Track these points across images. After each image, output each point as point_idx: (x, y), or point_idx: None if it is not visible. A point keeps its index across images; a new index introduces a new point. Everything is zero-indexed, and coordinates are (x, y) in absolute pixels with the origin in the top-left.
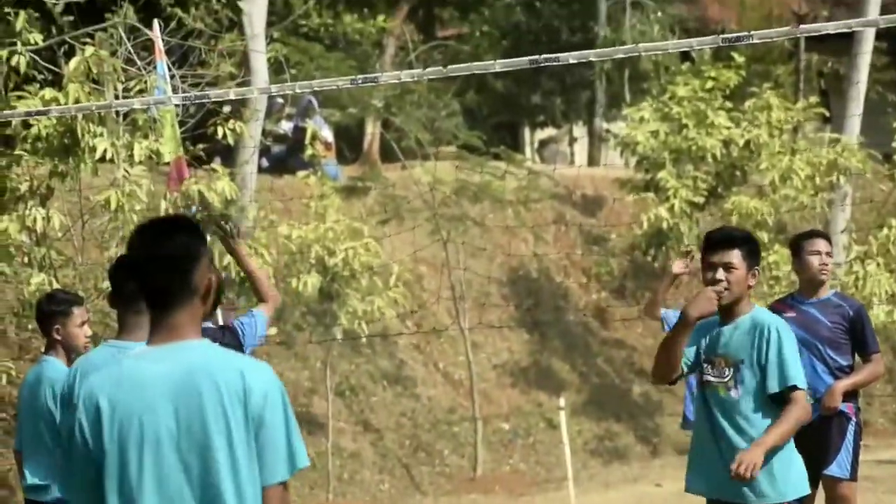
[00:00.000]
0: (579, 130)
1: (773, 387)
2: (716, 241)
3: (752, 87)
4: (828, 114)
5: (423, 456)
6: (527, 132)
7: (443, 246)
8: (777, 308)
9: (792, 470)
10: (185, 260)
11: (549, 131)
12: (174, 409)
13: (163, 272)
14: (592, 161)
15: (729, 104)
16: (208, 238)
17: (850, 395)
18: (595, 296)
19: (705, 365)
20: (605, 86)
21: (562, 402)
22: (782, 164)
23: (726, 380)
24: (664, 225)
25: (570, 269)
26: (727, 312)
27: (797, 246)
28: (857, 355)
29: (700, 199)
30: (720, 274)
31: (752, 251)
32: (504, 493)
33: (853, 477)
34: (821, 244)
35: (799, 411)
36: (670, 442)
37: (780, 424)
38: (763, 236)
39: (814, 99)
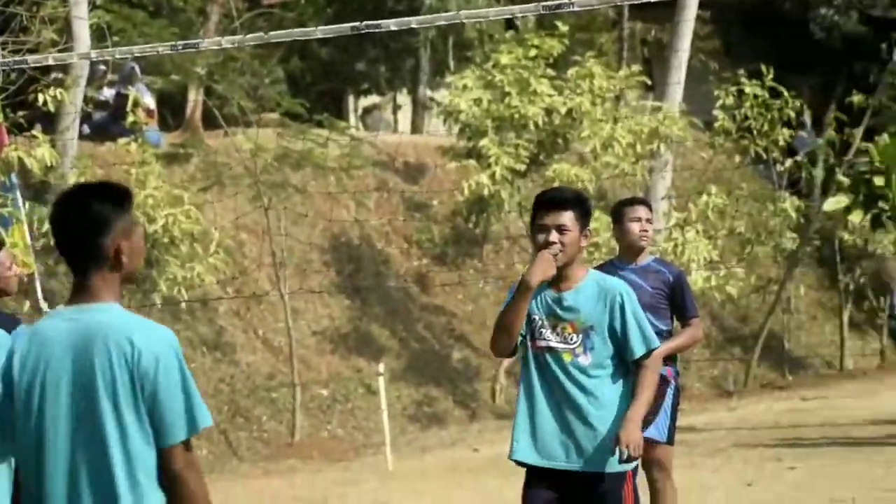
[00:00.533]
0: (403, 98)
1: (639, 351)
2: (548, 203)
3: (575, 56)
4: (650, 82)
5: (241, 421)
6: (351, 100)
7: (264, 213)
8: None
9: None
10: (95, 226)
11: (373, 99)
12: (72, 366)
13: (73, 238)
14: (416, 128)
15: (552, 72)
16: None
17: (670, 359)
18: (416, 262)
19: (542, 330)
20: (429, 54)
21: (381, 367)
22: (604, 132)
23: (574, 346)
24: (486, 192)
25: (392, 236)
26: (561, 275)
27: (618, 213)
28: (676, 320)
29: (522, 167)
30: (553, 236)
31: (585, 212)
32: (322, 459)
33: (670, 441)
34: (641, 211)
35: (655, 375)
36: (488, 407)
37: (643, 392)
38: None
39: (636, 67)
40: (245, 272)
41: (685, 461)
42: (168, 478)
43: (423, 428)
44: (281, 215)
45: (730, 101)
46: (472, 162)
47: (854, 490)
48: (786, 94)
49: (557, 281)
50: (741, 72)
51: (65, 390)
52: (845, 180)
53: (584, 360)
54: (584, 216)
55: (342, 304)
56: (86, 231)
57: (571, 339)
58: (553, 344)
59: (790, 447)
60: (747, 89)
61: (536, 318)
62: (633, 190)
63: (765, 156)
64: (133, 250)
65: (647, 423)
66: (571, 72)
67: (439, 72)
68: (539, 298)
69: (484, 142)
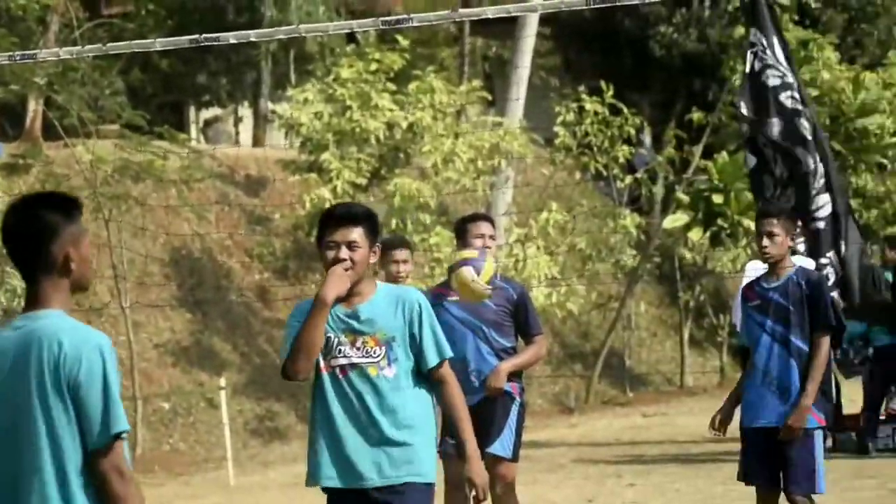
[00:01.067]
0: (244, 111)
1: (433, 361)
2: (338, 219)
3: (417, 70)
4: (491, 98)
5: None
6: (192, 112)
7: (104, 225)
8: (440, 292)
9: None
10: (41, 234)
11: (214, 111)
12: (9, 373)
13: (21, 246)
14: (257, 141)
15: (393, 87)
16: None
17: (515, 376)
18: (258, 276)
19: (341, 348)
20: (270, 66)
21: (223, 381)
22: (445, 147)
23: (378, 359)
24: (327, 206)
25: (233, 249)
26: (352, 292)
27: (461, 229)
28: (519, 337)
29: (363, 181)
30: (343, 252)
31: (374, 228)
32: (163, 473)
33: (514, 457)
34: (484, 227)
35: (458, 388)
36: None
37: (462, 417)
38: (426, 218)
39: (477, 83)
40: None
41: (527, 477)
42: (96, 480)
43: (265, 443)
44: (121, 227)
45: (570, 117)
46: (314, 175)
47: None
48: (625, 111)
49: (348, 297)
50: (581, 88)
51: (3, 397)
52: (685, 198)
53: (389, 373)
54: (373, 232)
55: (183, 318)
56: (35, 238)
57: (374, 353)
58: (356, 360)
59: (630, 464)
60: (587, 106)
61: (332, 336)
62: (474, 205)
63: (605, 172)
64: (82, 257)
65: (485, 440)
66: (412, 86)
67: (281, 85)
68: (331, 317)
69: (325, 155)
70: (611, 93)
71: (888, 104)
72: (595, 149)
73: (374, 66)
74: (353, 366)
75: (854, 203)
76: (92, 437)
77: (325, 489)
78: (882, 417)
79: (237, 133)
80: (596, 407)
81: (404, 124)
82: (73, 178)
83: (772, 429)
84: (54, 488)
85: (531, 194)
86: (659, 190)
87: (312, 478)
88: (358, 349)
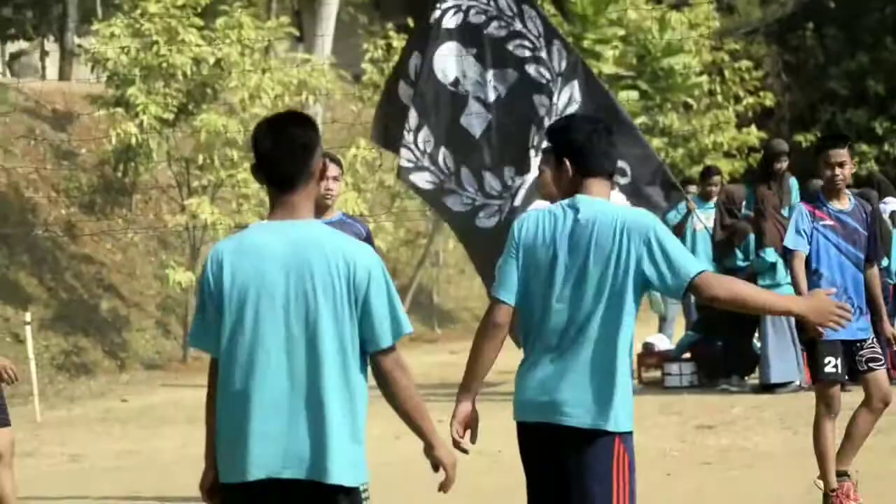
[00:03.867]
0: (51, 45)
1: None
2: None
3: (224, 6)
4: (299, 34)
5: None
6: None
7: None
8: None
9: None
10: (306, 148)
11: (20, 44)
12: (286, 277)
13: (288, 159)
14: (63, 76)
15: (200, 22)
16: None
17: None
18: (64, 211)
19: None
20: (77, 0)
21: (28, 316)
22: (252, 83)
23: None
24: (133, 140)
25: (40, 184)
26: None
27: None
28: None
29: (170, 116)
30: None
31: None
32: None
33: None
34: (333, 169)
35: None
36: (137, 357)
37: None
38: (233, 154)
39: (285, 19)
40: None
41: None
42: (379, 377)
43: (71, 378)
44: None
45: (378, 54)
46: (120, 110)
47: (501, 443)
48: None
49: None
50: (390, 25)
51: (280, 301)
52: None
53: None
54: None
55: None
56: (299, 152)
57: None
58: None
59: (439, 400)
60: (395, 43)
61: None
62: None
63: None
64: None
65: None
66: (220, 22)
67: (87, 19)
68: None
69: (132, 90)
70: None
71: (694, 44)
72: None
73: (181, 1)
74: None
75: (660, 142)
76: (381, 339)
77: None
78: None
79: (43, 67)
80: (405, 343)
81: (211, 60)
82: None
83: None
84: (337, 388)
85: (340, 131)
86: None
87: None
88: None
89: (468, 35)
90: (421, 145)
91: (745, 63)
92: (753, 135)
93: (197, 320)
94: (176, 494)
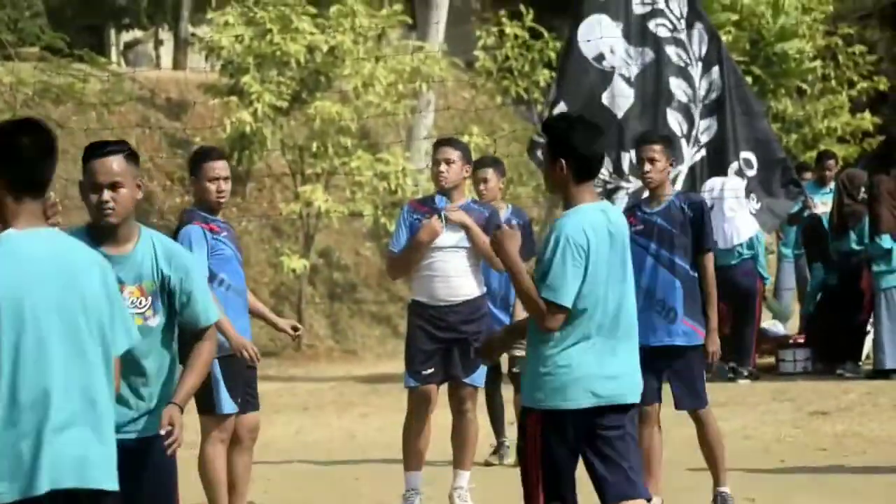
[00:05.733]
0: (165, 34)
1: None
2: (100, 157)
3: None
4: (412, 21)
5: None
6: (112, 34)
7: None
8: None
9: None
10: (55, 154)
11: (134, 34)
12: (55, 284)
13: (46, 164)
14: (178, 65)
15: (314, 10)
16: None
17: None
18: (179, 199)
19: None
20: None
21: None
22: (365, 71)
23: (144, 310)
24: (247, 129)
25: (154, 173)
26: (117, 235)
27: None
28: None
29: (284, 104)
30: (106, 195)
31: (137, 164)
32: None
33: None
34: (450, 152)
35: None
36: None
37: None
38: (346, 142)
39: (398, 6)
40: None
41: None
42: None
43: None
44: None
45: (491, 41)
46: (234, 99)
47: None
48: (546, 34)
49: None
50: (502, 12)
51: (54, 311)
52: None
53: (153, 322)
54: (137, 167)
55: None
56: (52, 157)
57: (141, 303)
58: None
59: None
60: (508, 30)
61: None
62: (395, 129)
63: (525, 96)
64: None
65: None
66: (333, 10)
67: (201, 8)
68: None
69: (246, 79)
70: (531, 16)
71: (807, 28)
72: (515, 73)
73: None
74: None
75: (774, 128)
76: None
77: None
78: None
79: (157, 56)
80: None
81: (325, 48)
82: None
83: (660, 348)
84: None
85: (452, 118)
86: None
87: None
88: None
89: (614, 7)
90: None
91: (858, 48)
92: (867, 120)
93: None
94: None
